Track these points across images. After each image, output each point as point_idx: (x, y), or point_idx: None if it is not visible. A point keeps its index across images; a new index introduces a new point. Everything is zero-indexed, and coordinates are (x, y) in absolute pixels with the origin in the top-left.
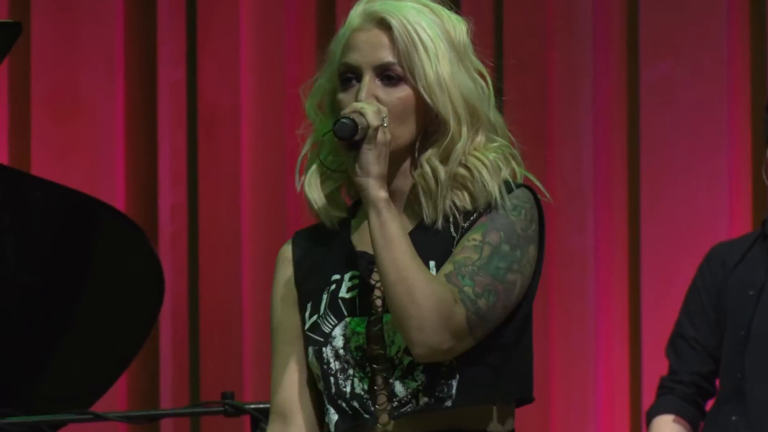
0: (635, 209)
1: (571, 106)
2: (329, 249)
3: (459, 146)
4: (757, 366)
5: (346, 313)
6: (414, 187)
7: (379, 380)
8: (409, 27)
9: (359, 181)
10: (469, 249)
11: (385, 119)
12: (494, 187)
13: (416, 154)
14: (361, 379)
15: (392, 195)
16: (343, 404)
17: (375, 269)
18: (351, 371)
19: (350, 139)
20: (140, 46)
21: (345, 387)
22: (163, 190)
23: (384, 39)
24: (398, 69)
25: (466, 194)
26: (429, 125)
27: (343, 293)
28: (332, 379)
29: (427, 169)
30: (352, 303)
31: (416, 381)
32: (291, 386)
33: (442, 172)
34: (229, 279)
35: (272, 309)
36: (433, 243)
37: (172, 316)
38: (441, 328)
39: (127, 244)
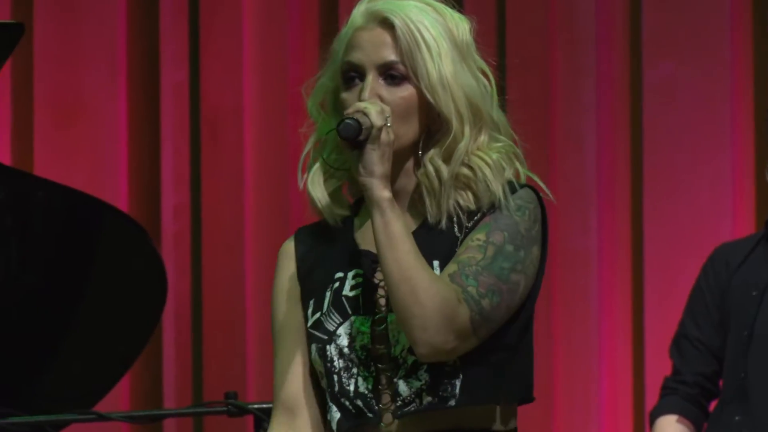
0: (638, 209)
1: (574, 107)
2: (332, 246)
3: (462, 145)
4: (759, 366)
5: (350, 312)
6: (418, 186)
7: (383, 379)
8: (412, 26)
9: (363, 180)
10: (473, 249)
11: (388, 119)
12: (498, 188)
13: (419, 154)
14: (365, 378)
15: (396, 194)
16: (347, 402)
17: (378, 268)
18: (355, 370)
19: (354, 139)
20: (143, 47)
21: (349, 385)
22: (166, 191)
23: (387, 38)
24: (401, 68)
25: (469, 194)
26: (432, 124)
27: (347, 291)
28: (336, 377)
29: (431, 168)
30: (356, 301)
31: (420, 380)
32: (297, 381)
33: (445, 171)
34: (232, 279)
35: (275, 304)
36: (436, 243)
37: (175, 316)
38: (444, 328)
39: (130, 245)
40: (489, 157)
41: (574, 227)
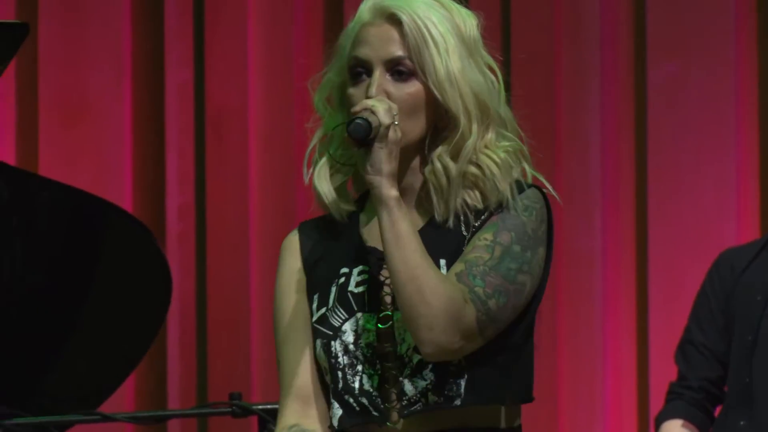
0: (643, 210)
1: (579, 107)
2: (337, 242)
3: (470, 143)
4: (764, 371)
5: (356, 308)
6: (424, 184)
7: (390, 378)
8: (420, 22)
9: (370, 179)
10: (480, 248)
11: (396, 117)
12: (506, 187)
13: (426, 151)
14: (370, 376)
15: (402, 192)
16: (351, 400)
17: (384, 266)
18: (360, 367)
19: (364, 139)
20: (148, 48)
21: (353, 383)
22: (171, 191)
23: (394, 34)
24: (408, 63)
25: (477, 193)
26: (439, 121)
27: (352, 288)
28: (340, 374)
29: (438, 166)
30: (362, 298)
31: (425, 380)
32: (310, 371)
33: (453, 169)
34: (236, 279)
35: (280, 296)
36: (443, 241)
37: (180, 316)
38: (451, 328)
39: (134, 245)
40: (497, 156)
41: (578, 227)
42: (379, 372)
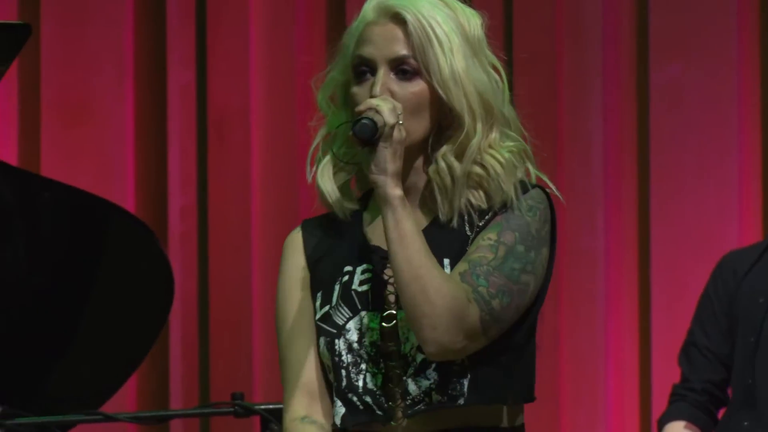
0: (645, 210)
1: (581, 108)
2: (341, 240)
3: (474, 142)
4: (767, 372)
5: (360, 307)
6: (428, 183)
7: (394, 377)
8: (424, 21)
9: (374, 178)
10: (484, 248)
11: (400, 116)
12: (510, 187)
13: (429, 150)
14: (374, 375)
15: (406, 191)
16: (354, 398)
17: (388, 265)
18: (364, 366)
19: (370, 139)
20: (150, 48)
21: (357, 381)
22: (173, 192)
23: (398, 33)
24: (413, 62)
25: (481, 193)
26: (443, 120)
27: (356, 286)
28: (343, 372)
29: (443, 165)
30: (366, 297)
31: (429, 379)
32: (315, 368)
33: (457, 169)
34: (238, 280)
35: (284, 294)
36: (447, 241)
37: (182, 316)
38: (454, 328)
39: (137, 246)
40: (501, 156)
41: (581, 228)
42: (383, 371)
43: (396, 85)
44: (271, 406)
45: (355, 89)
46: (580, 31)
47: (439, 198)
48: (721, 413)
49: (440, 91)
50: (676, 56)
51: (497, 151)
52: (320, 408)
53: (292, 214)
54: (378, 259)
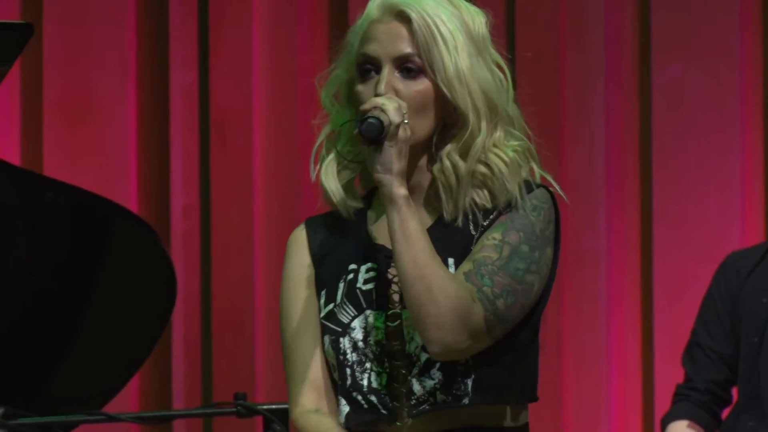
0: (647, 210)
1: (583, 108)
2: (345, 238)
3: (479, 141)
4: None
5: (365, 306)
6: (433, 182)
7: (399, 377)
8: (429, 19)
9: (380, 177)
10: (489, 248)
11: (405, 116)
12: (514, 187)
13: (434, 149)
14: (378, 374)
15: (411, 190)
16: (359, 397)
17: (392, 264)
18: (368, 365)
19: (376, 138)
20: (152, 49)
21: (362, 380)
22: (176, 191)
23: (403, 31)
24: (417, 61)
25: (485, 192)
26: (447, 119)
27: (360, 284)
28: (348, 371)
29: (447, 164)
30: (370, 296)
31: (433, 379)
32: (322, 365)
33: (462, 167)
34: (241, 279)
35: (289, 290)
36: (452, 240)
37: (185, 316)
38: (459, 327)
39: (139, 245)
40: (506, 155)
41: (583, 228)
42: (388, 370)
43: (400, 84)
44: (273, 407)
45: (360, 87)
46: (583, 31)
47: (443, 197)
48: (724, 413)
49: (445, 90)
50: (678, 56)
51: (502, 150)
52: (327, 405)
53: (295, 213)
54: (383, 258)
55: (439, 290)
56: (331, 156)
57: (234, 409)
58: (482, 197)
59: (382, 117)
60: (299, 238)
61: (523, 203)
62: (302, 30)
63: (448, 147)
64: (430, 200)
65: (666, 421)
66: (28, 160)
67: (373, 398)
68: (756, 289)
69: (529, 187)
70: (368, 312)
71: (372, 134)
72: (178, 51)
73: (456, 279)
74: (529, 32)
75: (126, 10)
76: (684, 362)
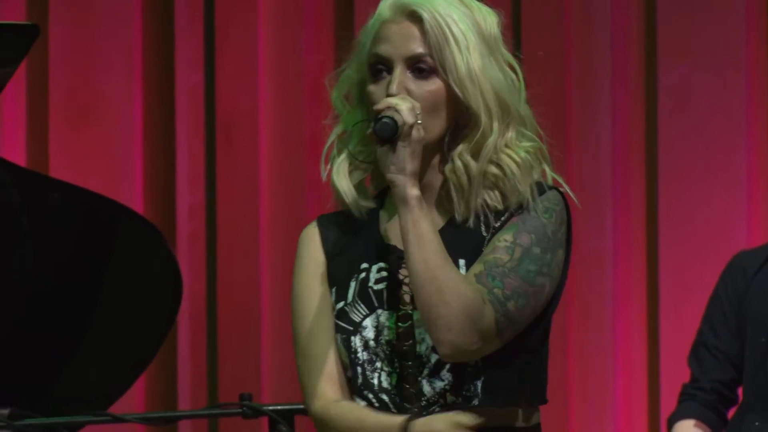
0: (653, 212)
1: (590, 109)
2: (357, 237)
3: (490, 141)
4: None
5: (376, 305)
6: (444, 183)
7: (409, 378)
8: (441, 20)
9: (393, 177)
10: (500, 250)
11: (419, 116)
12: (526, 188)
13: (445, 149)
14: (388, 374)
15: (422, 190)
16: (370, 395)
17: (404, 264)
18: (379, 364)
19: (390, 138)
20: (158, 50)
21: (372, 379)
22: (181, 192)
23: (415, 31)
24: (429, 61)
25: (497, 193)
26: (459, 119)
27: (372, 284)
28: (359, 369)
29: (459, 164)
30: (381, 295)
31: (443, 380)
32: (337, 361)
33: (474, 167)
34: (247, 280)
35: (303, 286)
36: (463, 241)
37: (190, 317)
38: (469, 329)
39: (145, 246)
40: (518, 156)
41: (589, 229)
42: (398, 370)
43: (413, 84)
44: (279, 407)
45: (372, 87)
46: (589, 32)
47: (455, 197)
48: (730, 413)
49: (457, 90)
50: (684, 57)
51: (514, 151)
52: (348, 396)
53: (301, 214)
54: (394, 259)
55: (450, 292)
56: (343, 156)
57: (240, 410)
58: (494, 198)
59: (396, 117)
60: (312, 235)
61: (535, 205)
62: (308, 31)
63: (460, 147)
64: (442, 201)
65: (672, 420)
66: (34, 160)
67: (384, 397)
68: (762, 288)
69: (541, 188)
70: (380, 311)
71: (386, 134)
72: (184, 52)
73: (467, 280)
74: (536, 33)
75: (132, 11)
76: (690, 362)
